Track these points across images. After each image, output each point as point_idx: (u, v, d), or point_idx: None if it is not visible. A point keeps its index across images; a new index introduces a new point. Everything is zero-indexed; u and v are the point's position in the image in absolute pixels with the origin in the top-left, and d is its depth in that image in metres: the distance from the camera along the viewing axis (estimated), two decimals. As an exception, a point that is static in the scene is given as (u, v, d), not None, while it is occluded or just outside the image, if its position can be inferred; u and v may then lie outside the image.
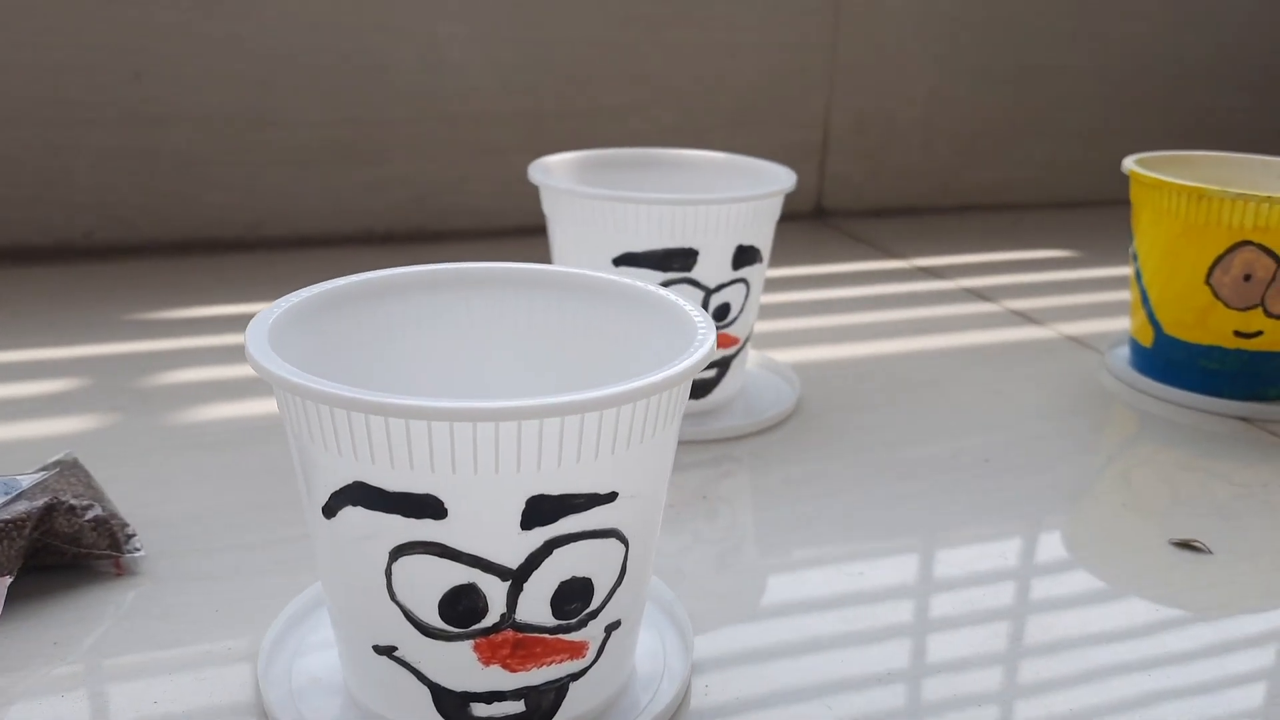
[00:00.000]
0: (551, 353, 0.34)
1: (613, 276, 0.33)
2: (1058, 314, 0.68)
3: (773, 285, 0.71)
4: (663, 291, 0.32)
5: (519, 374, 0.35)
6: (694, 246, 0.47)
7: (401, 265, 0.35)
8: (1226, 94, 1.00)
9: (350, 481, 0.26)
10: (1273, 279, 0.52)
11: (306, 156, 0.74)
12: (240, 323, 0.37)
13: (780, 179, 0.51)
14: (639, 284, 0.33)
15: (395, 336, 0.33)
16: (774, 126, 0.85)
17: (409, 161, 0.76)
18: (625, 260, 0.47)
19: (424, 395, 0.24)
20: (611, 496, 0.27)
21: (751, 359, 0.58)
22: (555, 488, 0.26)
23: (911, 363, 0.60)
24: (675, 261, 0.47)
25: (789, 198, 0.51)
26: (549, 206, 0.49)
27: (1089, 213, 0.94)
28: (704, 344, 0.28)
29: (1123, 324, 0.65)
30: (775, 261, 0.76)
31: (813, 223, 0.88)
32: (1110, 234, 0.80)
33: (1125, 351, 0.61)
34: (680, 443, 0.49)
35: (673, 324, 0.31)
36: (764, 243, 0.50)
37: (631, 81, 0.80)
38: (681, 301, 0.32)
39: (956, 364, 0.60)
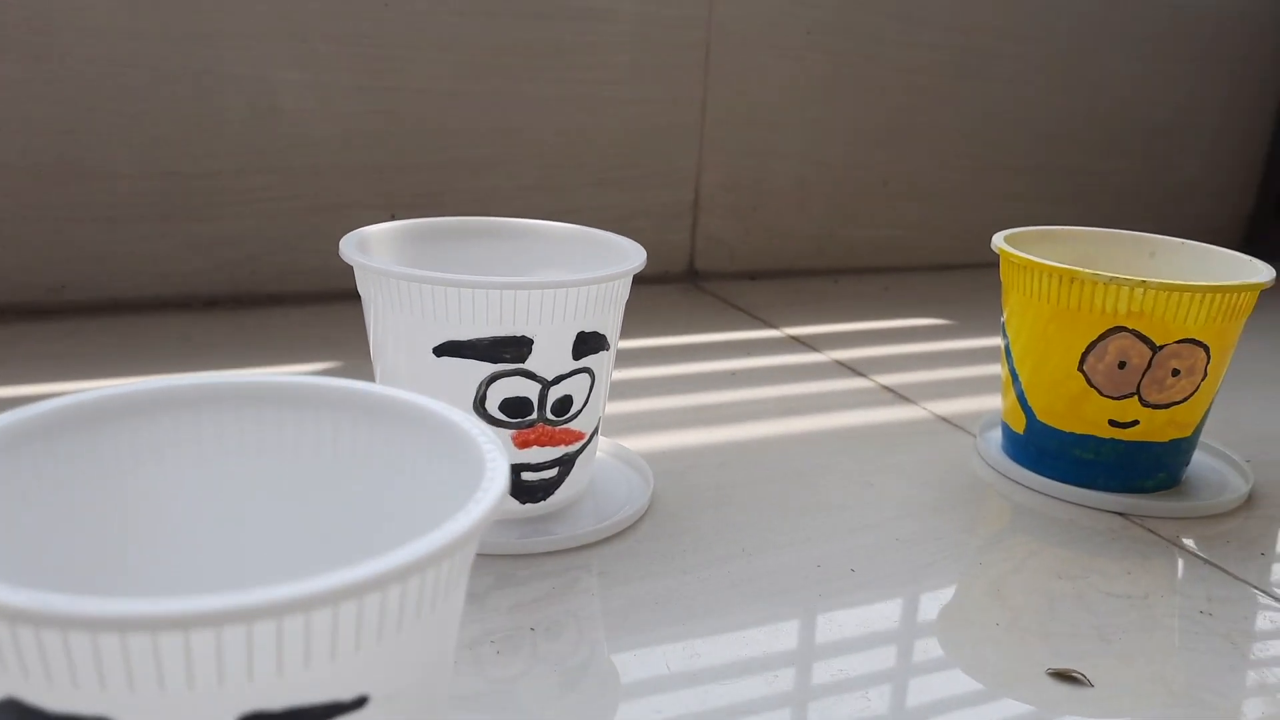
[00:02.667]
0: (325, 490, 0.29)
1: (392, 392, 0.28)
2: (930, 390, 0.65)
3: (636, 357, 0.67)
4: (448, 413, 0.27)
5: (281, 520, 0.29)
6: (527, 334, 0.42)
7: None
8: (1099, 157, 0.99)
9: (1, 698, 0.20)
10: (1148, 366, 0.49)
11: (118, 212, 0.66)
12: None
13: (628, 257, 0.46)
14: (420, 402, 0.27)
15: (120, 473, 0.27)
16: (643, 184, 0.81)
17: (238, 218, 0.69)
18: (447, 350, 0.41)
19: (123, 570, 0.18)
20: (360, 702, 0.21)
21: (602, 447, 0.52)
22: (277, 700, 0.20)
23: (778, 449, 0.55)
24: (505, 351, 0.42)
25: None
26: (363, 287, 0.43)
27: (963, 276, 0.92)
28: (487, 493, 0.23)
29: (995, 402, 0.62)
30: (642, 330, 0.72)
31: (685, 285, 0.84)
32: (983, 300, 0.78)
33: (998, 435, 0.57)
34: (511, 556, 0.44)
35: (459, 454, 0.26)
36: (611, 327, 0.45)
37: (489, 135, 0.75)
38: (470, 427, 0.26)
39: (825, 451, 0.55)
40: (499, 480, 0.23)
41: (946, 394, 0.65)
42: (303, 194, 0.71)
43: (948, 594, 0.43)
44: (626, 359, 0.66)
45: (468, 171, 0.75)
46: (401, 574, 0.20)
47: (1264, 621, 0.42)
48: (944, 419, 0.61)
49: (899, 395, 0.64)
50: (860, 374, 0.67)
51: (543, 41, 0.75)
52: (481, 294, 0.40)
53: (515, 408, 0.43)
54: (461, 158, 0.75)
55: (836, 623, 0.40)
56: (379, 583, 0.20)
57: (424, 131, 0.73)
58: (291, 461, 0.29)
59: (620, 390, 0.61)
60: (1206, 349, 0.49)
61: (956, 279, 0.92)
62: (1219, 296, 0.47)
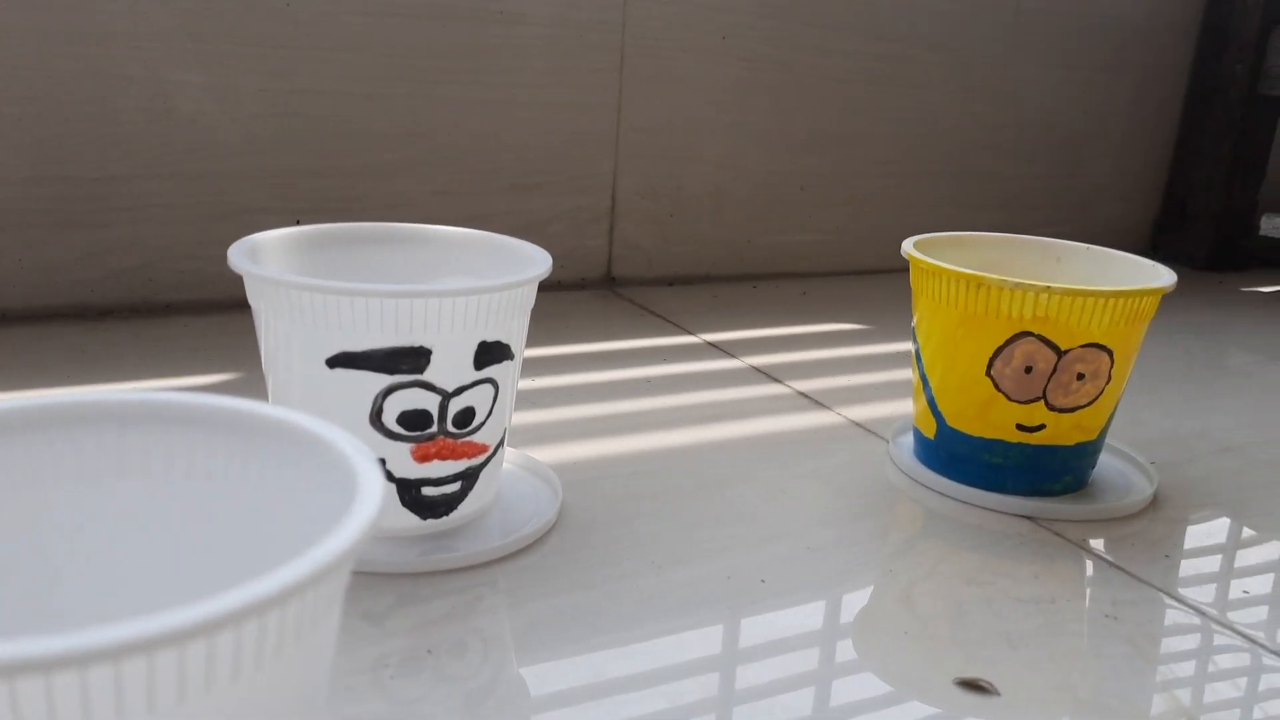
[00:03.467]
0: (198, 514, 0.27)
1: (264, 409, 0.26)
2: (845, 396, 0.65)
3: (551, 365, 0.65)
4: (322, 430, 0.25)
5: (153, 547, 0.27)
6: (425, 344, 0.40)
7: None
8: (1013, 163, 1.01)
9: None
10: (1054, 371, 0.49)
11: (6, 219, 0.63)
12: None
13: (534, 264, 0.45)
14: (292, 419, 0.26)
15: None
16: (559, 190, 0.80)
17: (133, 225, 0.67)
18: (341, 361, 0.40)
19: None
20: (216, 746, 0.20)
21: (510, 458, 0.51)
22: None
23: (692, 458, 0.54)
24: (403, 363, 0.40)
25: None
26: (253, 296, 0.42)
27: (881, 281, 0.93)
28: (353, 521, 0.22)
29: (909, 406, 0.62)
30: (558, 337, 0.71)
31: (602, 292, 0.83)
32: (900, 305, 0.78)
33: (910, 440, 0.57)
34: (412, 575, 0.43)
35: (332, 473, 0.24)
36: (515, 336, 0.44)
37: (399, 138, 0.73)
38: (344, 445, 0.25)
39: (739, 459, 0.55)
40: (368, 506, 0.22)
41: (862, 399, 0.65)
42: (202, 200, 0.68)
43: (859, 603, 0.43)
44: (541, 366, 0.65)
45: (377, 176, 0.73)
46: (257, 609, 0.19)
47: (1168, 625, 0.43)
48: (858, 424, 0.61)
49: (815, 401, 0.64)
50: (777, 380, 0.67)
51: (455, 44, 0.73)
52: (375, 303, 0.39)
53: (414, 421, 0.42)
54: (371, 162, 0.73)
55: (746, 636, 0.39)
56: (229, 620, 0.18)
57: (331, 135, 0.71)
58: (162, 484, 0.27)
59: (532, 399, 0.60)
60: (1110, 353, 0.49)
61: (874, 284, 0.92)
62: (1121, 301, 0.48)
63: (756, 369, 0.68)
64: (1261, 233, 1.02)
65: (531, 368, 0.65)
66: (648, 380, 0.65)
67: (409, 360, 0.40)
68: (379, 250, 0.48)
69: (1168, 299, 0.52)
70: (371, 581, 0.41)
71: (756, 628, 0.40)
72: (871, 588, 0.44)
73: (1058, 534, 0.49)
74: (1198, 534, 0.51)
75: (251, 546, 0.27)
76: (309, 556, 0.20)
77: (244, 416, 0.26)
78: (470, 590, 0.41)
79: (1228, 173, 1.05)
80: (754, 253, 0.90)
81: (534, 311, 0.45)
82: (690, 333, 0.75)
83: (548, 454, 0.53)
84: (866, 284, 0.92)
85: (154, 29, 0.64)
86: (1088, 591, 0.45)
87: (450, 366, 0.41)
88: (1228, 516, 0.53)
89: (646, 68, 0.81)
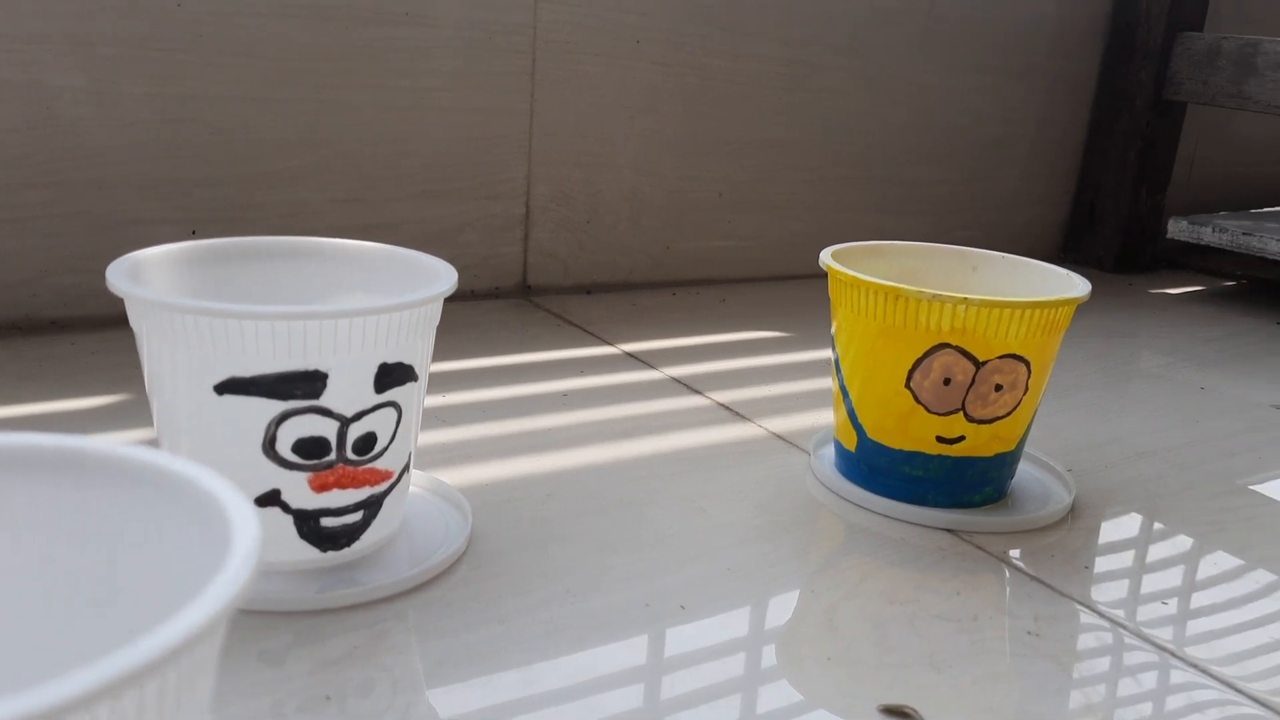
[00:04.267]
0: (46, 566, 0.24)
1: (118, 450, 0.24)
2: (766, 406, 0.64)
3: (462, 380, 0.63)
4: (187, 471, 0.23)
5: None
6: (321, 368, 0.38)
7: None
8: (927, 168, 1.01)
9: None
10: (972, 382, 0.49)
11: None
12: None
13: (438, 279, 0.43)
14: (152, 459, 0.23)
15: None
16: (470, 197, 0.78)
17: (15, 237, 0.63)
18: (230, 387, 0.37)
19: None
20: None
21: (417, 481, 0.49)
22: None
23: (609, 476, 0.53)
24: (296, 388, 0.38)
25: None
26: (136, 319, 0.39)
27: (800, 287, 0.92)
28: (226, 581, 0.19)
29: (830, 416, 0.62)
30: (470, 350, 0.69)
31: (518, 301, 0.81)
32: (821, 311, 0.78)
33: (831, 452, 0.56)
34: (312, 612, 0.40)
35: (203, 521, 0.22)
36: (419, 356, 0.42)
37: (299, 145, 0.70)
38: (214, 488, 0.22)
39: (658, 475, 0.53)
40: (242, 564, 0.20)
41: (783, 410, 0.64)
42: (87, 210, 0.64)
43: (780, 627, 0.41)
44: (451, 381, 0.63)
45: (275, 184, 0.70)
46: (109, 690, 0.16)
47: (1089, 639, 0.42)
48: (779, 436, 0.60)
49: (735, 413, 0.63)
50: (696, 391, 0.65)
51: (356, 46, 0.71)
52: (265, 325, 0.36)
53: (311, 448, 0.39)
54: (270, 170, 0.70)
55: (664, 666, 0.38)
56: (78, 703, 0.16)
57: (224, 142, 0.68)
58: (8, 533, 0.24)
59: (442, 416, 0.58)
60: (1027, 363, 0.49)
61: (794, 290, 0.92)
62: (1038, 312, 0.47)
63: (676, 380, 0.67)
64: (1168, 236, 1.04)
65: (441, 383, 0.62)
66: (564, 394, 0.63)
67: (303, 385, 0.38)
68: (273, 266, 0.45)
69: (1080, 304, 0.52)
70: (268, 620, 0.39)
71: (676, 659, 0.38)
72: (793, 611, 0.43)
73: (979, 547, 0.49)
74: (1115, 543, 0.51)
75: (111, 598, 0.24)
76: (172, 625, 0.18)
77: (95, 458, 0.24)
78: (375, 626, 0.39)
79: (1135, 177, 1.07)
80: (672, 259, 0.88)
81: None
82: (608, 343, 0.73)
83: (458, 476, 0.51)
84: (786, 290, 0.92)
85: (32, 31, 0.60)
86: (1009, 607, 0.44)
87: (348, 390, 0.39)
88: (1144, 524, 0.53)
89: (558, 72, 0.79)
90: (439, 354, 0.67)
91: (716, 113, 0.87)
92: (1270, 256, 0.96)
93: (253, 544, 0.20)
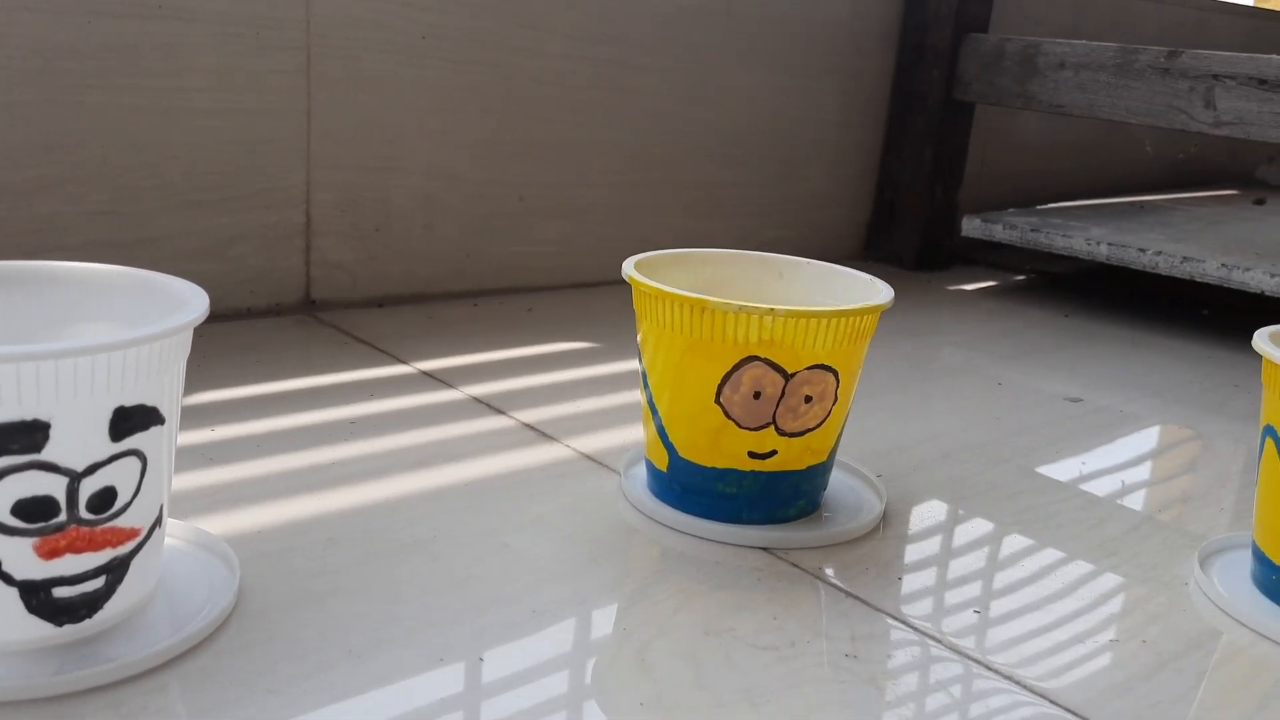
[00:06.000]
0: None
1: None
2: (574, 424, 0.61)
3: (235, 410, 0.57)
4: None
5: None
6: (41, 417, 0.32)
7: None
8: (733, 169, 1.00)
9: None
10: (782, 395, 0.47)
11: None
12: None
13: (185, 306, 0.37)
14: None
15: None
16: (242, 206, 0.71)
17: None
18: (-79, 447, 0.31)
19: None
20: None
21: (176, 533, 0.43)
22: None
23: (400, 513, 0.48)
24: (13, 441, 0.32)
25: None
26: None
27: (609, 294, 0.89)
28: None
29: (640, 432, 0.59)
30: (244, 376, 0.62)
31: (301, 318, 0.74)
32: (628, 319, 0.75)
33: (643, 472, 0.54)
34: (48, 699, 0.34)
35: None
36: (165, 395, 0.36)
37: (40, 152, 0.62)
38: None
39: (456, 509, 0.49)
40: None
41: (592, 427, 0.61)
42: None
43: (588, 674, 0.38)
44: (221, 413, 0.57)
45: (15, 196, 0.62)
46: None
47: (904, 656, 0.41)
48: (589, 457, 0.57)
49: (541, 433, 0.59)
50: (499, 411, 0.61)
51: (105, 44, 0.63)
52: (-39, 371, 0.30)
53: (35, 510, 0.33)
54: (6, 180, 0.61)
55: (458, 735, 0.34)
56: None
57: (-50, 147, 0.59)
58: None
59: (208, 454, 0.52)
60: (836, 373, 0.47)
61: (603, 296, 0.89)
62: (844, 321, 0.46)
63: (477, 400, 0.63)
64: (963, 233, 1.06)
65: (209, 415, 0.56)
66: (351, 422, 0.58)
67: (21, 437, 0.32)
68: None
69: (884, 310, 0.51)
70: (-13, 716, 0.33)
71: (472, 723, 0.35)
72: (604, 653, 0.39)
73: (795, 564, 0.47)
74: (925, 550, 0.50)
75: None
76: None
77: None
78: (125, 708, 0.34)
79: (930, 176, 1.10)
80: (472, 268, 0.84)
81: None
82: (402, 361, 0.68)
83: (225, 524, 0.45)
84: (595, 297, 0.89)
85: None
86: (827, 629, 0.42)
87: (77, 441, 0.33)
88: (951, 528, 0.53)
89: (337, 70, 0.73)
90: (206, 382, 0.61)
91: (516, 113, 0.83)
92: (1056, 252, 0.99)
93: None
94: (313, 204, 0.74)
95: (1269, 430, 0.46)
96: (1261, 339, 0.46)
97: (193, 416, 0.56)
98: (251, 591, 0.41)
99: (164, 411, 0.36)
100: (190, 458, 0.51)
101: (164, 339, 0.35)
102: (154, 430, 0.36)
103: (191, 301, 0.38)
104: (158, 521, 0.38)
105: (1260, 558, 0.47)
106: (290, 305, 0.75)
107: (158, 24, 0.65)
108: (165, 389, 0.36)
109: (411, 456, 0.54)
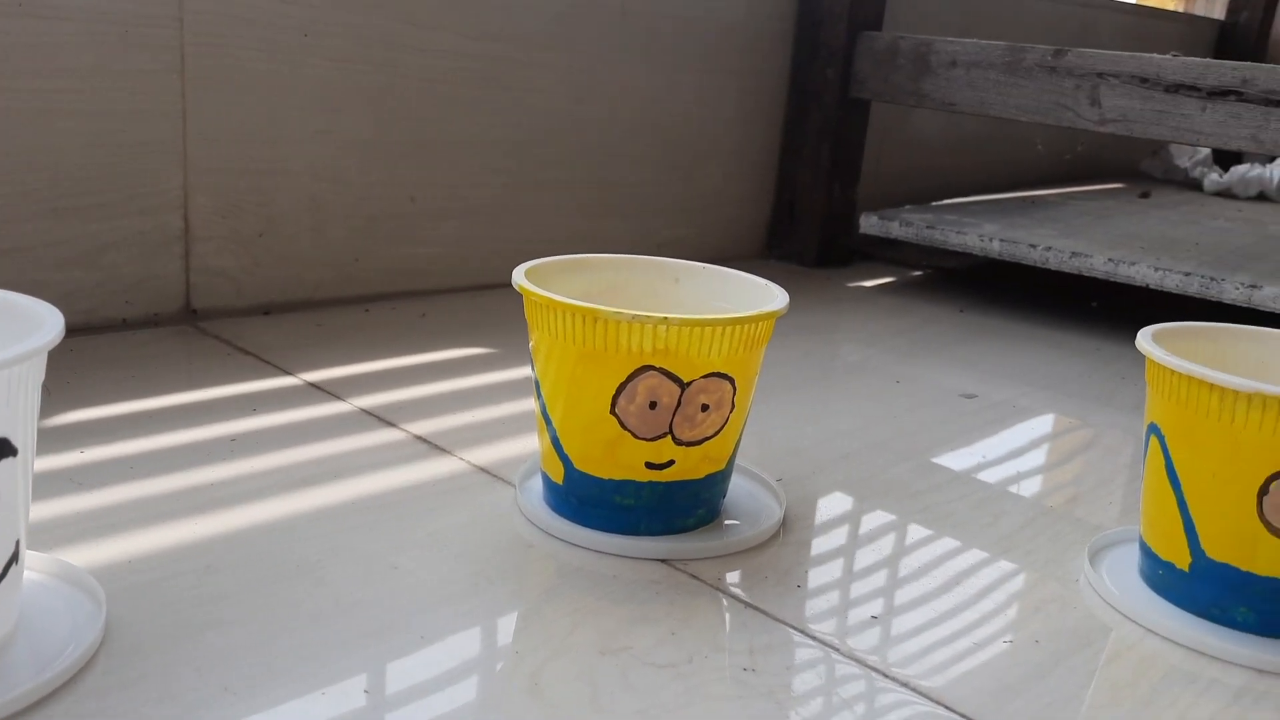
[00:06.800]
0: None
1: None
2: (469, 436, 0.59)
3: (106, 430, 0.54)
4: None
5: None
6: None
7: None
8: (630, 168, 0.99)
9: None
10: (678, 404, 0.46)
11: None
12: None
13: (37, 328, 0.35)
14: None
15: None
16: (114, 212, 0.67)
17: None
18: None
19: None
20: None
21: (35, 567, 0.40)
22: None
23: (283, 536, 0.46)
24: None
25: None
26: None
27: (506, 296, 0.87)
28: None
29: (536, 441, 0.58)
30: (118, 393, 0.59)
31: (181, 329, 0.71)
32: (524, 323, 0.74)
33: (539, 484, 0.52)
34: None
35: None
36: (18, 424, 0.34)
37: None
38: None
39: (343, 530, 0.47)
40: None
41: (487, 438, 0.59)
42: None
43: (480, 702, 0.37)
44: (90, 433, 0.54)
45: None
46: None
47: (804, 668, 0.41)
48: (484, 470, 0.55)
49: (435, 446, 0.57)
50: (390, 424, 0.59)
51: (-42, 37, 0.59)
52: None
53: None
54: None
55: (341, 776, 0.32)
56: None
57: None
58: None
59: (75, 479, 0.49)
60: (732, 381, 0.47)
61: (499, 299, 0.87)
62: (739, 328, 0.45)
63: (366, 412, 0.61)
64: (861, 230, 1.07)
65: (77, 436, 0.53)
66: (232, 439, 0.55)
67: None
68: None
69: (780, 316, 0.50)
70: None
71: (355, 762, 0.33)
72: (495, 680, 0.38)
73: (694, 575, 0.46)
74: (825, 555, 0.50)
75: None
76: None
77: None
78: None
79: (828, 174, 1.11)
80: (363, 272, 0.81)
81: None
82: (288, 372, 0.65)
83: (92, 554, 0.43)
84: (491, 300, 0.87)
85: None
86: (725, 642, 0.42)
87: (-89, 479, 0.31)
88: (851, 532, 0.53)
89: (213, 69, 0.70)
90: (76, 400, 0.57)
91: (405, 112, 0.81)
92: (951, 248, 1.01)
93: None
94: (191, 209, 0.71)
95: (1153, 429, 0.47)
96: (1145, 339, 0.47)
97: (59, 438, 0.53)
98: (122, 627, 0.38)
99: (16, 442, 0.34)
100: (55, 483, 0.48)
101: (12, 366, 0.32)
102: (5, 463, 0.33)
103: (46, 322, 0.35)
104: (14, 558, 0.35)
105: (1147, 553, 0.48)
106: (170, 315, 0.71)
107: (19, 21, 0.61)
108: (18, 417, 0.34)
109: (296, 474, 0.52)
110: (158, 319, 0.71)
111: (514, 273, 0.49)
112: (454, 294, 0.87)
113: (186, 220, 0.71)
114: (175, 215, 0.70)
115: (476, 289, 0.89)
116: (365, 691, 0.36)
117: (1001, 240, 0.98)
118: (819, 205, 1.11)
